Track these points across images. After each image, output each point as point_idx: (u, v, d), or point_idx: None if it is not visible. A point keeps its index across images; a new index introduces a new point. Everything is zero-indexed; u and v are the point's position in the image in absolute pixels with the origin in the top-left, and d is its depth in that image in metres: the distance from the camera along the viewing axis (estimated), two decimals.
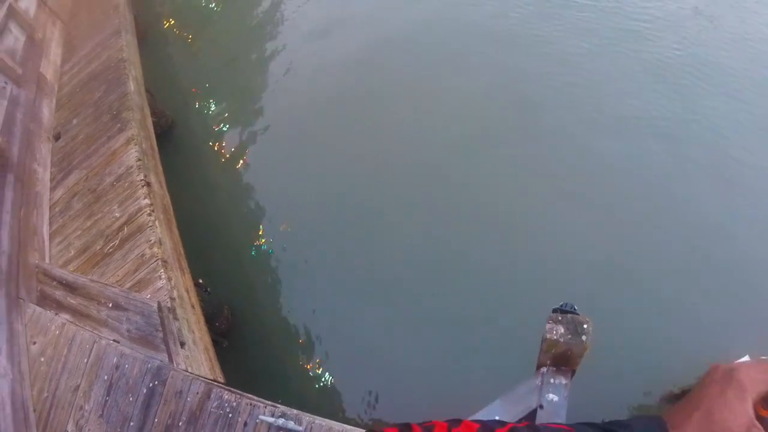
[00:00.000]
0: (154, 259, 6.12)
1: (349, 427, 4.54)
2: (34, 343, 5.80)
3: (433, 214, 8.47)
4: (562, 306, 3.99)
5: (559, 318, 3.91)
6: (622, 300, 7.14)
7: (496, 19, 11.04)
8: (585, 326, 3.84)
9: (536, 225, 7.99)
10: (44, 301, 6.13)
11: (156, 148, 8.25)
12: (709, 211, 7.79)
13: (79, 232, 6.84)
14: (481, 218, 8.23)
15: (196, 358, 5.68)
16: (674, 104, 9.06)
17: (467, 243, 8.00)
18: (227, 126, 11.08)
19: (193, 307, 6.37)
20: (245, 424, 4.67)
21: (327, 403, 7.18)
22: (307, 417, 4.58)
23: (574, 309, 3.97)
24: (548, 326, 3.88)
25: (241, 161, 10.32)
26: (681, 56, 9.76)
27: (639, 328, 6.86)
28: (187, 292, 6.41)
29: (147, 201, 6.69)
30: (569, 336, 3.82)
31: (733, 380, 1.22)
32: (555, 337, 3.83)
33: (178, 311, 5.83)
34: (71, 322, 5.79)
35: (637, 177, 8.28)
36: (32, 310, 6.04)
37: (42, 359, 5.65)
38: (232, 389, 4.93)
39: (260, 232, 9.07)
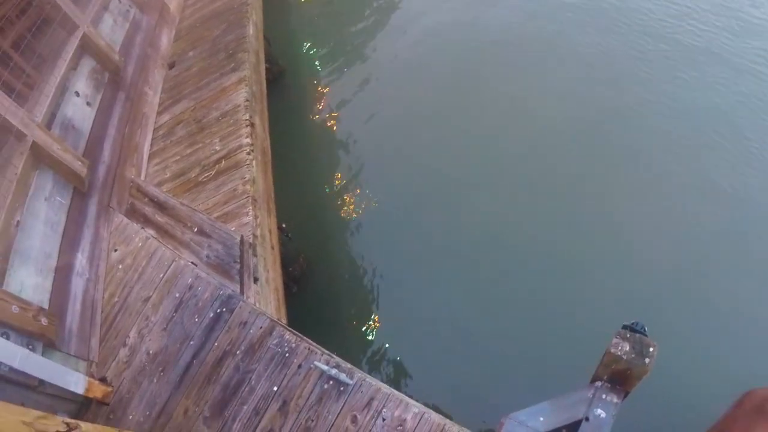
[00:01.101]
0: (245, 195, 6.10)
1: (397, 392, 4.46)
2: (116, 250, 5.86)
3: (519, 203, 8.27)
4: (633, 324, 3.93)
5: (627, 335, 3.85)
6: (699, 330, 6.81)
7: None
8: (651, 349, 3.77)
9: (629, 236, 7.68)
10: (133, 214, 6.19)
11: (265, 92, 8.27)
12: None
13: (177, 158, 6.90)
14: (571, 215, 7.97)
15: (265, 295, 5.64)
16: None
17: (549, 237, 7.76)
18: (335, 84, 11.14)
19: (272, 248, 6.35)
20: (299, 366, 4.64)
21: (377, 369, 7.13)
22: (359, 373, 4.53)
23: (644, 330, 3.90)
24: (614, 341, 3.82)
25: (342, 120, 10.36)
26: None
27: (708, 361, 6.52)
28: (270, 233, 6.39)
29: (248, 140, 6.69)
30: (633, 355, 3.75)
31: (764, 415, 0.94)
32: (619, 353, 3.76)
33: (258, 249, 5.80)
34: (155, 237, 5.83)
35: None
36: (120, 219, 6.10)
37: (120, 266, 5.70)
38: (293, 331, 4.89)
39: (347, 192, 9.05)
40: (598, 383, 3.96)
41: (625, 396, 3.94)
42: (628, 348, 3.75)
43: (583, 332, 6.45)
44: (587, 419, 3.82)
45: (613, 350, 3.77)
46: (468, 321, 7.21)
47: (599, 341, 4.03)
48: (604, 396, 3.89)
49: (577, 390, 4.02)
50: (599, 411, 3.83)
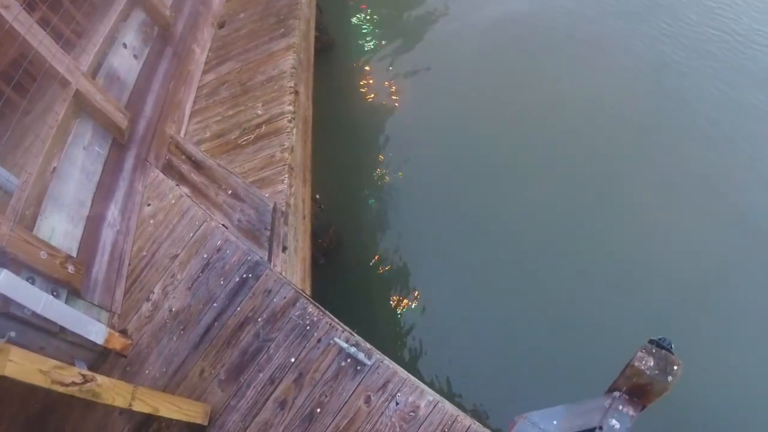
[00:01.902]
0: (283, 163, 6.07)
1: (413, 378, 4.42)
2: (149, 205, 5.86)
3: (561, 198, 8.03)
4: (660, 339, 3.83)
5: (653, 350, 3.78)
6: (730, 351, 6.58)
7: None
8: (675, 368, 3.70)
9: (674, 245, 7.44)
10: (169, 170, 6.19)
11: (312, 61, 8.20)
12: None
13: (218, 118, 6.88)
14: (614, 216, 7.75)
15: (292, 265, 5.62)
16: None
17: (589, 235, 7.56)
18: (384, 61, 10.98)
19: (304, 218, 6.31)
20: (319, 341, 4.61)
21: (395, 351, 7.08)
22: (377, 355, 4.48)
23: (671, 347, 3.81)
24: (639, 354, 3.76)
25: (387, 98, 10.23)
26: None
27: (735, 386, 6.31)
28: (303, 202, 6.35)
29: (291, 108, 6.65)
30: (656, 372, 3.69)
31: None
32: (642, 368, 3.70)
33: (290, 218, 5.77)
34: (189, 196, 5.81)
35: None
36: (156, 174, 6.10)
37: (151, 221, 5.71)
38: (317, 304, 4.86)
39: (385, 170, 8.95)
40: (617, 393, 3.90)
41: (642, 409, 3.87)
42: (652, 363, 3.69)
43: (610, 339, 6.33)
44: (601, 428, 3.77)
45: (636, 364, 3.71)
46: (496, 315, 7.09)
47: (624, 349, 3.95)
48: (620, 407, 3.83)
49: (594, 398, 3.97)
50: (614, 422, 3.77)
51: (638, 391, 3.80)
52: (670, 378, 3.64)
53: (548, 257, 7.44)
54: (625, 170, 8.27)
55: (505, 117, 9.22)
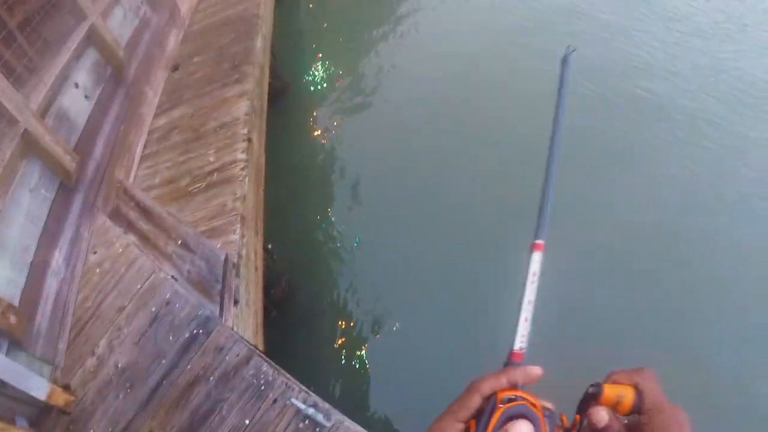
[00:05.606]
0: (234, 213, 5.94)
1: None
2: (95, 252, 5.66)
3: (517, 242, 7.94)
4: None
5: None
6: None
7: None
8: None
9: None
10: (117, 217, 6.00)
11: (265, 108, 8.14)
12: None
13: (169, 164, 6.73)
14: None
15: (244, 319, 5.46)
16: None
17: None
18: (338, 105, 10.97)
19: (256, 269, 6.17)
20: (274, 401, 4.42)
21: (353, 401, 6.91)
22: (337, 415, 4.29)
23: None
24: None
25: (340, 144, 10.18)
26: None
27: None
28: (255, 253, 6.22)
29: (243, 156, 6.55)
30: None
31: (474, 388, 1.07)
32: None
33: (242, 270, 5.62)
34: (137, 245, 5.64)
35: None
36: (103, 221, 5.91)
37: (97, 270, 5.50)
38: (271, 363, 4.69)
39: (339, 217, 8.85)
40: None
41: None
42: None
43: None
44: None
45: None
46: (460, 361, 6.99)
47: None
48: None
49: None
50: None
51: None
52: None
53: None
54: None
55: (466, 167, 9.09)
